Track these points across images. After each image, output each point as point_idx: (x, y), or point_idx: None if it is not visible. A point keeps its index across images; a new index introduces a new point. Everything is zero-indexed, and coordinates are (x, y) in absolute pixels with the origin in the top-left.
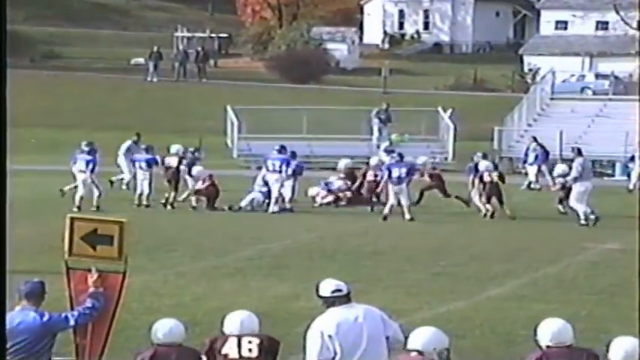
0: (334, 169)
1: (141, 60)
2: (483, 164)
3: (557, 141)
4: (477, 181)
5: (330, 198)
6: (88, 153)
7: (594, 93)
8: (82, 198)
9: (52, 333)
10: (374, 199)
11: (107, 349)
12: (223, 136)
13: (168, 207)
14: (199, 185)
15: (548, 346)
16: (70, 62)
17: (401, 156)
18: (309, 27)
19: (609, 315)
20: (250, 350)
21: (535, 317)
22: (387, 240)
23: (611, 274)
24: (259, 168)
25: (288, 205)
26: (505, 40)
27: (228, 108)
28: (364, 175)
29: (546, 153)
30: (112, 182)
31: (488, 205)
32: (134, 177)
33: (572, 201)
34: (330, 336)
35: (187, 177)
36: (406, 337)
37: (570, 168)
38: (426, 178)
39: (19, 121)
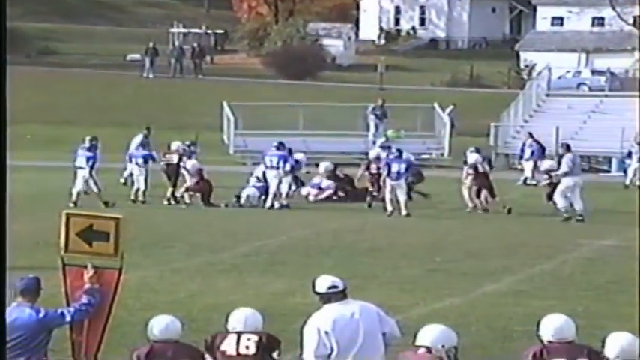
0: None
1: (137, 56)
2: (473, 157)
3: (554, 137)
4: (465, 173)
5: (327, 193)
6: (89, 149)
7: (590, 89)
8: (79, 194)
9: (48, 329)
10: (374, 193)
11: (103, 345)
12: (220, 133)
13: (172, 202)
14: (189, 182)
15: (549, 341)
16: (66, 58)
17: (400, 152)
18: (305, 23)
19: (606, 311)
20: (247, 347)
21: (531, 313)
22: (384, 236)
23: (608, 271)
24: (256, 164)
25: (284, 202)
26: (501, 36)
27: (225, 104)
28: (368, 168)
29: (542, 149)
30: (125, 182)
31: (477, 200)
32: (130, 173)
33: (557, 194)
34: (326, 332)
35: (184, 171)
36: (415, 333)
37: (559, 164)
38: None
39: (15, 118)
